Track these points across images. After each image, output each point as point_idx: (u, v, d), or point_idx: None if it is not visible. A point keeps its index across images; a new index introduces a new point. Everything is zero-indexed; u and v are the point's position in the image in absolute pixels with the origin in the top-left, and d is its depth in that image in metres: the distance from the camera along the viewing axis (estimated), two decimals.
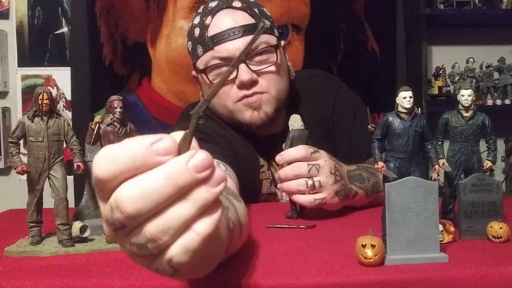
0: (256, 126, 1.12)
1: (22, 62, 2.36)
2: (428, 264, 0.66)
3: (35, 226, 0.79)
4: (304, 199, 0.96)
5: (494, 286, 0.62)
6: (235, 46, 1.07)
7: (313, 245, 0.79)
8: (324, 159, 0.98)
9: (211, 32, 1.09)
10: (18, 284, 0.63)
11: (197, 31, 1.11)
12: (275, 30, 1.16)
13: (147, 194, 0.37)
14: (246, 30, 1.08)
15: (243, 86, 1.09)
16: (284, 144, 1.01)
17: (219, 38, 1.08)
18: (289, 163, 0.98)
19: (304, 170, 0.95)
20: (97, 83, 2.17)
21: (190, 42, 1.16)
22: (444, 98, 2.38)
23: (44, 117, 0.78)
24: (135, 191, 0.37)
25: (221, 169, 0.39)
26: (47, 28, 2.34)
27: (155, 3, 2.20)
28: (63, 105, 2.35)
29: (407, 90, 0.74)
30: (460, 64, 2.45)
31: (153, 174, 0.37)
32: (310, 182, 0.95)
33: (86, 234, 0.80)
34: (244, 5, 1.12)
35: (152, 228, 0.37)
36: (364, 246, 0.65)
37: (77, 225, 0.79)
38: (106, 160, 0.37)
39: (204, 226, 0.38)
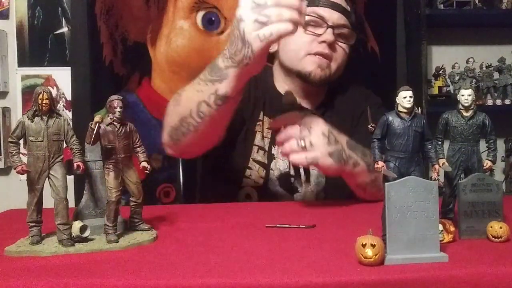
0: (312, 79, 1.32)
1: (22, 62, 2.36)
2: (428, 264, 0.66)
3: (35, 226, 0.79)
4: (296, 157, 1.07)
5: (494, 286, 0.62)
6: (332, 14, 1.30)
7: (313, 245, 0.79)
8: (316, 121, 1.09)
9: None
10: (18, 284, 0.63)
11: None
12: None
13: None
14: (343, 11, 1.32)
15: (323, 42, 1.29)
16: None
17: (325, 3, 1.31)
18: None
19: (295, 131, 1.07)
20: (97, 83, 2.17)
21: None
22: (444, 98, 2.38)
23: (44, 117, 0.78)
24: None
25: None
26: (47, 28, 2.34)
27: (155, 3, 2.20)
28: (63, 105, 2.35)
29: (407, 90, 0.74)
30: (460, 64, 2.45)
31: None
32: (302, 143, 1.05)
33: (86, 234, 0.80)
34: None
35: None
36: (364, 245, 0.65)
37: (77, 225, 0.79)
38: None
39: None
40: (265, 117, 1.38)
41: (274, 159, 1.35)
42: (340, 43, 1.33)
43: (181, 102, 1.13)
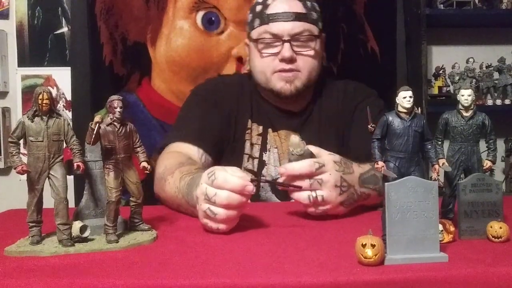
0: (284, 95, 1.33)
1: (22, 62, 2.35)
2: (428, 264, 0.66)
3: (35, 226, 0.79)
4: (308, 209, 1.00)
5: (494, 286, 0.62)
6: (284, 27, 1.28)
7: (313, 245, 0.79)
8: (328, 173, 0.99)
9: (269, 11, 1.31)
10: (18, 284, 0.63)
11: (258, 8, 1.34)
12: (319, 23, 1.36)
13: None
14: (297, 16, 1.29)
15: (283, 60, 1.29)
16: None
17: (275, 17, 1.29)
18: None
19: (305, 185, 0.98)
20: (97, 83, 2.16)
21: (251, 15, 1.37)
22: (444, 98, 2.38)
23: (44, 117, 0.78)
24: None
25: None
26: (47, 28, 2.33)
27: (155, 3, 2.19)
28: (63, 105, 2.34)
29: (407, 90, 0.74)
30: (460, 64, 2.45)
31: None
32: (313, 194, 0.97)
33: (86, 234, 0.80)
34: None
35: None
36: (364, 245, 0.66)
37: (77, 225, 0.79)
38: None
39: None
40: (253, 124, 1.38)
41: (266, 165, 1.36)
42: (303, 52, 1.30)
43: (166, 191, 1.13)
